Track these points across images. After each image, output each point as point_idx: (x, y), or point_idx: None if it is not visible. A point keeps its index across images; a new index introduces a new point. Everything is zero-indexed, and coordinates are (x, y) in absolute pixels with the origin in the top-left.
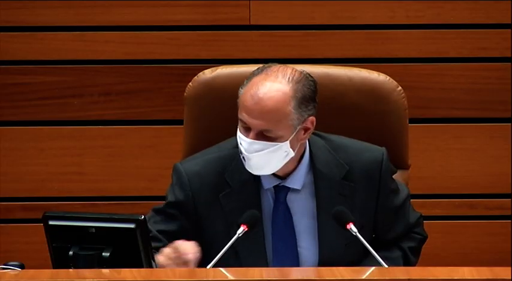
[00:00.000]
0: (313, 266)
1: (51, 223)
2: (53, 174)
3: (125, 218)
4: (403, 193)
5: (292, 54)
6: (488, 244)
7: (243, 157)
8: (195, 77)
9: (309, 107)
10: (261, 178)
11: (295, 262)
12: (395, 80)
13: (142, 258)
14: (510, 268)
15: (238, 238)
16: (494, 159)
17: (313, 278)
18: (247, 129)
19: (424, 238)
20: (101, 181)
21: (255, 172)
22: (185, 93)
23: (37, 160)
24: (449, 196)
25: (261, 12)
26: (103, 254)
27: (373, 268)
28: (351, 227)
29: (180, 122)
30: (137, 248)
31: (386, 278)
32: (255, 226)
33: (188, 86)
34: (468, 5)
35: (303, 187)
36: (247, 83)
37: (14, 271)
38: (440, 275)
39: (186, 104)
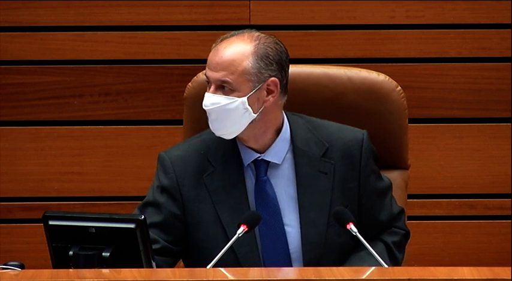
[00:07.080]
0: (298, 244)
1: (51, 223)
2: (52, 174)
3: (125, 218)
4: (387, 181)
5: (293, 54)
6: (488, 244)
7: (208, 114)
8: (195, 77)
9: (271, 67)
10: (242, 154)
11: (283, 240)
12: (395, 80)
13: (142, 258)
14: (510, 268)
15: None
16: (494, 159)
17: (313, 278)
18: (209, 85)
19: (407, 233)
20: (101, 181)
21: (217, 132)
22: (185, 94)
23: (37, 160)
24: (449, 196)
25: (261, 12)
26: (103, 254)
27: (373, 268)
28: (351, 227)
29: (180, 122)
30: (137, 248)
31: (387, 278)
32: (255, 225)
33: (188, 86)
34: (468, 5)
35: (283, 164)
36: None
37: (14, 271)
38: (440, 275)
39: (185, 104)
